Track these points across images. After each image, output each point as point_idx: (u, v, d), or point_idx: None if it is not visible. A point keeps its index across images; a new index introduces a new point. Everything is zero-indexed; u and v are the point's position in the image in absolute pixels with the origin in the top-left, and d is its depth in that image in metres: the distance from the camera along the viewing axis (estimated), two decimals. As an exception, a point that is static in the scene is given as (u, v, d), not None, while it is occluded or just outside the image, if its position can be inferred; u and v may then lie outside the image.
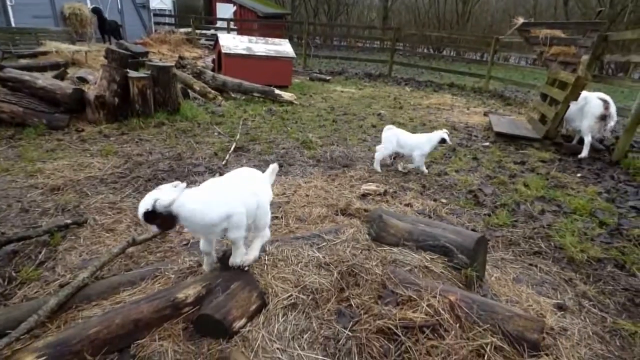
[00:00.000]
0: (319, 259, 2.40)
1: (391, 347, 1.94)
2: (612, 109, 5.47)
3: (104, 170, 4.25)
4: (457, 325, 2.07)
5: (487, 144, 6.06)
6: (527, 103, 9.94)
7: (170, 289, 2.07)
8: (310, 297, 2.12)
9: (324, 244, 2.59)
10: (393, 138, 4.49)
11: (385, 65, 15.19)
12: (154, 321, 1.94)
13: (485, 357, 1.93)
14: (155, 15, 19.20)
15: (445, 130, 4.63)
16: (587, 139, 5.56)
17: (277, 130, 6.03)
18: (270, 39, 10.73)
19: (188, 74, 7.91)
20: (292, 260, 2.38)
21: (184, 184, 1.84)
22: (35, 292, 2.45)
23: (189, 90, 7.46)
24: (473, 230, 3.38)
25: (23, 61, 9.23)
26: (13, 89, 5.39)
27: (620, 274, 2.92)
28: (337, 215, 3.36)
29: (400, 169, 4.70)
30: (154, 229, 1.78)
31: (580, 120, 5.71)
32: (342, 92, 10.54)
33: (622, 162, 5.41)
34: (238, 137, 5.44)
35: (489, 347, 1.96)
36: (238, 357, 1.68)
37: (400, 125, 6.89)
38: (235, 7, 21.94)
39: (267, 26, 20.66)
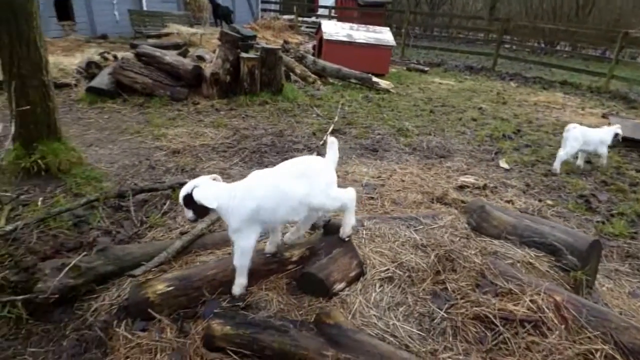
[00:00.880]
0: (415, 240, 2.42)
1: (488, 334, 1.91)
2: None
3: (215, 139, 4.69)
4: (563, 326, 1.96)
5: (605, 147, 5.45)
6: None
7: (277, 247, 2.26)
8: (406, 274, 2.16)
9: (421, 227, 2.59)
10: (579, 136, 4.27)
11: (489, 58, 14.24)
12: (262, 272, 2.14)
13: (593, 363, 1.81)
14: (262, 2, 20.22)
15: (618, 125, 4.50)
16: None
17: (373, 117, 6.07)
18: (371, 26, 10.71)
19: (291, 57, 8.27)
20: (389, 238, 2.43)
21: (219, 179, 1.91)
22: (161, 236, 2.84)
23: (291, 74, 7.81)
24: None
25: (150, 41, 10.42)
26: (146, 63, 6.15)
27: None
28: (432, 202, 3.33)
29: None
30: (190, 214, 1.82)
31: None
32: (440, 83, 10.17)
33: None
34: (336, 119, 5.59)
35: (598, 353, 1.83)
36: (338, 315, 1.79)
37: (504, 121, 6.48)
38: (338, -6, 22.15)
39: (367, 14, 20.54)
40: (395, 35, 14.73)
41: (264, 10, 20.31)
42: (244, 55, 6.17)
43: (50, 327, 1.98)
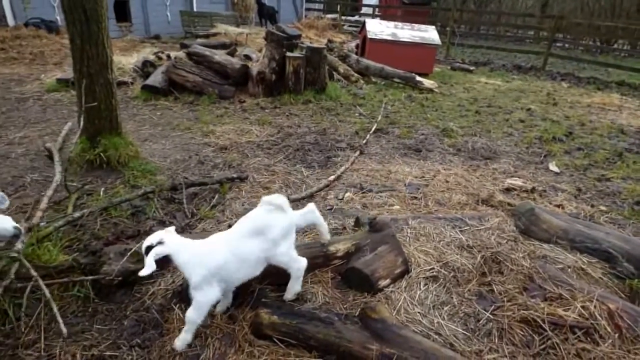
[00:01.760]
0: (461, 241, 2.41)
1: (535, 338, 1.88)
2: None
3: (260, 137, 4.83)
4: (617, 335, 1.89)
5: (668, 152, 5.10)
6: None
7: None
8: (451, 274, 2.16)
9: (467, 228, 2.57)
10: None
11: (539, 57, 13.63)
12: (308, 266, 2.21)
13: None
14: (307, 1, 20.44)
15: None
16: None
17: (416, 116, 6.01)
18: (416, 25, 10.57)
19: (334, 56, 8.33)
20: (433, 237, 2.43)
21: (172, 232, 1.84)
22: (211, 227, 2.98)
23: (334, 72, 7.87)
24: None
25: (199, 40, 10.83)
26: (196, 62, 6.43)
27: None
28: (478, 204, 3.27)
29: None
30: (149, 266, 1.71)
31: None
32: (486, 83, 9.87)
33: None
34: (379, 119, 5.59)
35: (654, 365, 1.75)
36: (383, 310, 1.83)
37: (554, 123, 6.21)
38: (382, -7, 22.00)
39: (411, 12, 20.26)
40: (440, 33, 14.44)
41: (308, 9, 20.52)
42: (289, 54, 6.30)
43: (114, 307, 2.15)
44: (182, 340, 1.86)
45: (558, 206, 3.45)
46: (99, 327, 2.04)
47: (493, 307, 2.03)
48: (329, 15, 17.85)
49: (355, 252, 2.21)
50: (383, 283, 2.06)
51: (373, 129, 5.12)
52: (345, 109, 6.14)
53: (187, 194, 3.35)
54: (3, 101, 5.71)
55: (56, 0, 10.48)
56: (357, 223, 2.47)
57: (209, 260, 1.80)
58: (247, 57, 7.59)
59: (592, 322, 1.93)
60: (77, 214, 2.74)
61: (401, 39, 9.64)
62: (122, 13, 12.05)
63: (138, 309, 2.15)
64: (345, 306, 2.01)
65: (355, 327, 1.83)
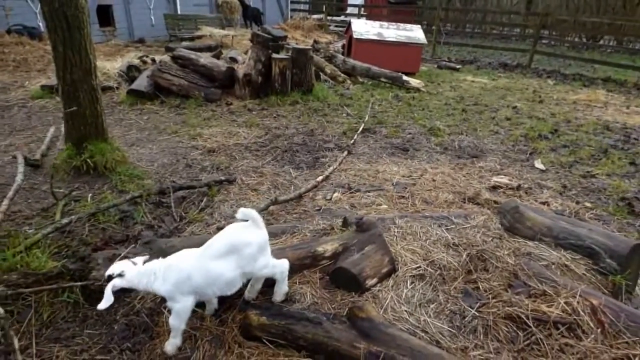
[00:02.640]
0: (447, 239, 2.44)
1: (520, 334, 1.91)
2: None
3: (248, 139, 4.83)
4: (599, 330, 1.93)
5: (652, 148, 5.20)
6: None
7: (310, 242, 2.34)
8: (437, 272, 2.18)
9: (453, 226, 2.60)
10: None
11: (525, 54, 13.79)
12: (296, 267, 2.22)
13: (631, 368, 1.79)
14: (292, 2, 20.43)
15: None
16: None
17: (403, 116, 6.05)
18: (402, 24, 10.64)
19: (321, 57, 8.34)
20: (420, 236, 2.46)
21: (139, 262, 1.85)
22: (199, 230, 2.97)
23: (321, 73, 7.89)
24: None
25: (184, 43, 10.77)
26: (182, 66, 6.39)
27: None
28: (464, 202, 3.31)
29: None
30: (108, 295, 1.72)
31: None
32: (472, 81, 9.97)
33: None
34: (366, 119, 5.62)
35: (637, 359, 1.80)
36: (370, 309, 1.85)
37: (540, 120, 6.30)
38: (366, -7, 22.07)
39: (397, 12, 20.37)
40: (426, 32, 14.53)
41: (293, 10, 20.50)
42: (275, 56, 6.30)
43: (103, 312, 2.14)
44: (171, 345, 1.87)
45: (544, 203, 3.51)
46: (90, 331, 2.04)
47: (478, 304, 2.06)
48: (315, 16, 17.87)
49: (343, 252, 2.23)
50: (370, 282, 2.08)
51: (360, 129, 5.15)
52: (332, 109, 6.16)
53: (175, 197, 3.34)
54: (-14, 108, 5.63)
55: (38, 6, 10.35)
56: (345, 223, 2.48)
57: (171, 275, 1.80)
58: (233, 60, 7.57)
59: (575, 317, 1.97)
60: (65, 221, 2.72)
61: (387, 39, 9.69)
62: (105, 18, 11.91)
63: (128, 313, 2.15)
64: (333, 306, 2.03)
65: (343, 327, 1.85)
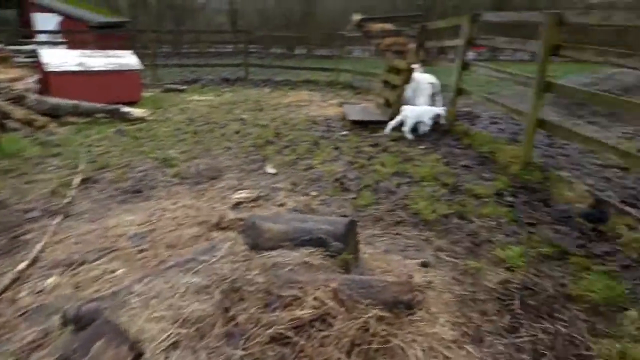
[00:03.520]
0: (196, 284, 2.25)
1: (286, 351, 1.94)
2: (438, 87, 6.41)
3: None
4: (343, 309, 2.17)
5: (345, 132, 6.51)
6: (373, 90, 10.94)
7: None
8: (193, 329, 1.97)
9: (200, 266, 2.44)
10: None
11: (241, 68, 15.09)
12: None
13: (371, 329, 2.07)
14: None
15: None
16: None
17: (130, 152, 5.48)
18: (111, 51, 9.68)
19: (2, 100, 6.61)
20: (166, 295, 2.18)
21: None
22: None
23: (7, 121, 6.25)
24: (343, 216, 3.59)
25: None
26: None
27: (463, 223, 3.45)
28: (211, 231, 3.21)
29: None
30: None
31: (416, 99, 6.54)
32: (199, 100, 10.13)
33: (452, 130, 6.39)
34: (83, 166, 4.77)
35: (372, 319, 2.10)
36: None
37: (264, 127, 6.93)
38: (60, 18, 19.16)
39: (104, 37, 18.54)
40: (142, 56, 13.81)
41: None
42: None
43: None
44: None
45: (281, 205, 3.81)
46: None
47: (243, 340, 1.98)
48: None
49: (63, 364, 1.71)
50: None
51: (77, 181, 4.32)
52: (32, 165, 4.91)
53: None
54: None
55: None
56: (66, 321, 1.94)
57: None
58: None
59: (324, 308, 2.14)
60: None
61: (94, 68, 8.63)
62: None
63: None
64: None
65: None
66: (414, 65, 6.55)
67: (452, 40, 7.04)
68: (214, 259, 2.50)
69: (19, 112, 6.46)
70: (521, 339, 2.19)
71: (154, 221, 3.40)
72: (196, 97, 10.59)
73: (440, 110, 6.17)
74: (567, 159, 5.07)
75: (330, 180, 4.45)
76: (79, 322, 1.83)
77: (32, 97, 7.04)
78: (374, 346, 2.01)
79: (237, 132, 6.58)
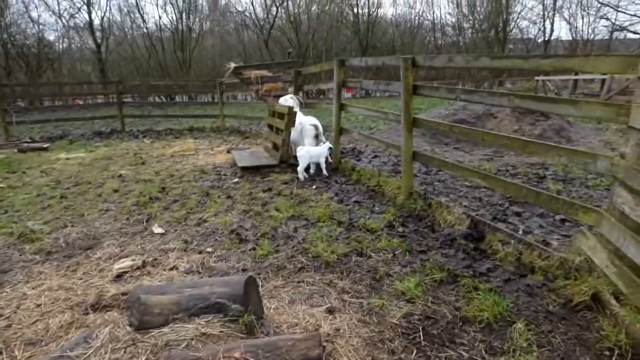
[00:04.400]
0: (67, 389, 1.86)
1: None
2: (320, 129, 6.72)
3: None
4: (249, 381, 1.99)
5: (236, 180, 6.36)
6: (260, 134, 11.07)
7: None
8: None
9: (73, 363, 2.03)
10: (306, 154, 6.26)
11: (116, 120, 14.00)
12: None
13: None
14: None
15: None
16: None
17: (-25, 230, 4.53)
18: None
19: None
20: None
21: None
22: None
23: None
24: (244, 269, 3.41)
25: None
26: None
27: (362, 259, 3.53)
28: (87, 314, 2.75)
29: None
30: None
31: (302, 141, 6.76)
32: (67, 159, 9.03)
33: (339, 167, 6.71)
34: None
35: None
36: None
37: (147, 182, 6.41)
38: None
39: None
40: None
41: None
42: None
43: None
44: None
45: (172, 269, 3.46)
46: None
47: None
48: None
49: None
50: None
51: None
52: None
53: None
54: None
55: None
56: None
57: None
58: None
59: (227, 383, 1.94)
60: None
61: None
62: None
63: None
64: None
65: None
66: (294, 107, 6.81)
67: (327, 83, 7.55)
68: (90, 351, 2.12)
69: None
70: (429, 370, 2.26)
71: (8, 315, 2.79)
72: (63, 155, 9.44)
73: (329, 145, 6.46)
74: (443, 184, 5.66)
75: (225, 232, 4.23)
76: None
77: None
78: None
79: (116, 191, 5.95)
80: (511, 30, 32.87)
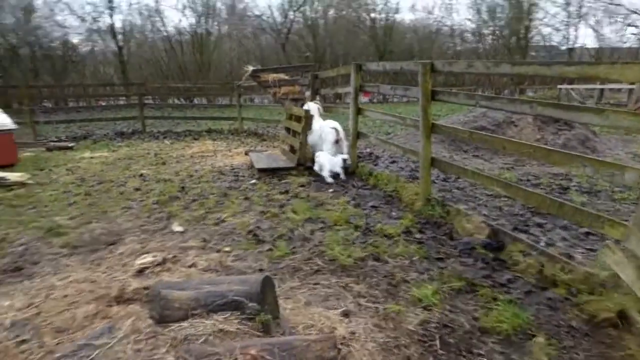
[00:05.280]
0: (91, 377, 1.95)
1: None
2: (342, 133, 6.76)
3: None
4: (265, 377, 2.04)
5: (253, 181, 6.46)
6: (278, 136, 11.18)
7: None
8: None
9: (97, 352, 2.12)
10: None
11: (137, 121, 14.36)
12: None
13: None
14: None
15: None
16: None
17: (7, 224, 4.73)
18: (-29, 110, 8.51)
19: None
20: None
21: None
22: None
23: None
24: (260, 270, 3.48)
25: None
26: None
27: (378, 264, 3.54)
28: (111, 306, 2.85)
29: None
30: None
31: (322, 145, 6.81)
32: (92, 158, 9.31)
33: (357, 172, 6.74)
34: (-60, 249, 3.97)
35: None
36: None
37: (167, 182, 6.57)
38: None
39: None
40: (18, 113, 12.48)
41: None
42: None
43: None
44: None
45: (191, 266, 3.55)
46: None
47: None
48: None
49: None
50: None
51: None
52: None
53: None
54: None
55: None
56: None
57: None
58: None
59: (244, 378, 1.99)
60: None
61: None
62: None
63: None
64: None
65: None
66: (312, 111, 6.87)
67: (344, 87, 7.60)
68: (114, 341, 2.21)
69: None
70: (444, 378, 2.26)
71: (38, 304, 2.91)
72: (88, 154, 9.73)
73: (345, 156, 6.49)
74: (462, 192, 5.60)
75: (243, 233, 4.31)
76: None
77: None
78: (302, 411, 1.91)
79: (137, 190, 6.12)
80: (532, 37, 32.38)
